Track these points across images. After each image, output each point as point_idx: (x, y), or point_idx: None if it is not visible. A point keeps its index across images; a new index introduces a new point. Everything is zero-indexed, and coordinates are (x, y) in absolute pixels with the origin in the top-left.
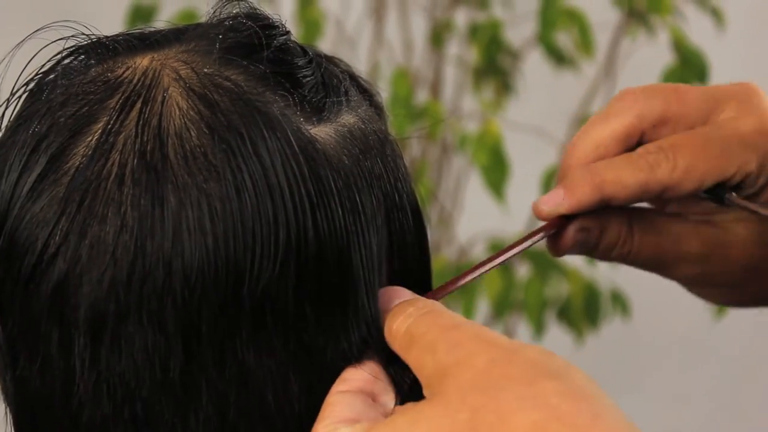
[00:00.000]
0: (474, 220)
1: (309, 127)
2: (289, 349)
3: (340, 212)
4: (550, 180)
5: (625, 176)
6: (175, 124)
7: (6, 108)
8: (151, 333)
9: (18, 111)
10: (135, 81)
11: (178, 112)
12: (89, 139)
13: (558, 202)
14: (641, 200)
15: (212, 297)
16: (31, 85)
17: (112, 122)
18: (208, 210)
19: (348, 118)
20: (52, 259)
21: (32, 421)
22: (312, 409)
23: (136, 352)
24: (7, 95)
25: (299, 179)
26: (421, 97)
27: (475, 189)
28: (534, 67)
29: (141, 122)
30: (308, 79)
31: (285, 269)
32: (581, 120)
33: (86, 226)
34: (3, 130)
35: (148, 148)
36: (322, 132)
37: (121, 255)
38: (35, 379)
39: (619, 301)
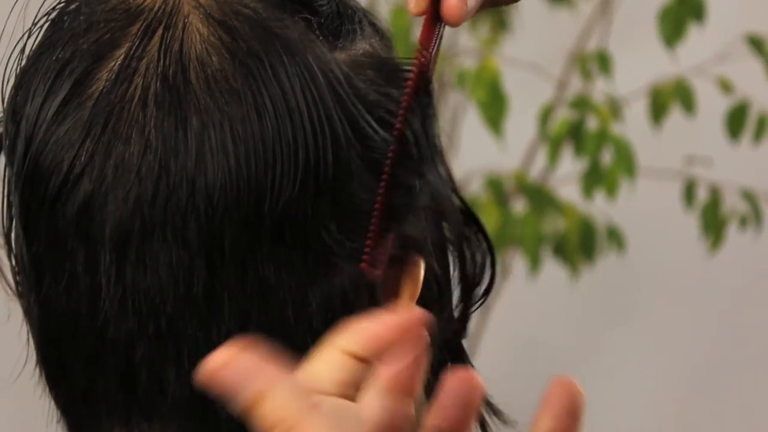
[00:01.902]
0: (470, 156)
1: (326, 52)
2: (308, 266)
3: (358, 133)
4: (547, 116)
5: None
6: (196, 50)
7: (28, 38)
8: (175, 250)
9: (40, 40)
10: (156, 8)
11: (198, 38)
12: (112, 64)
13: None
14: None
15: (234, 215)
16: (53, 14)
17: (134, 48)
18: (230, 131)
19: (363, 45)
20: (78, 179)
21: (57, 341)
22: (329, 327)
23: (160, 268)
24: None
25: (318, 102)
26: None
27: (471, 125)
28: (530, 4)
29: (163, 48)
30: (324, 7)
31: (304, 188)
32: (577, 57)
33: (111, 147)
34: (25, 59)
35: (170, 72)
36: (339, 57)
37: (146, 174)
38: (61, 297)
39: (615, 237)
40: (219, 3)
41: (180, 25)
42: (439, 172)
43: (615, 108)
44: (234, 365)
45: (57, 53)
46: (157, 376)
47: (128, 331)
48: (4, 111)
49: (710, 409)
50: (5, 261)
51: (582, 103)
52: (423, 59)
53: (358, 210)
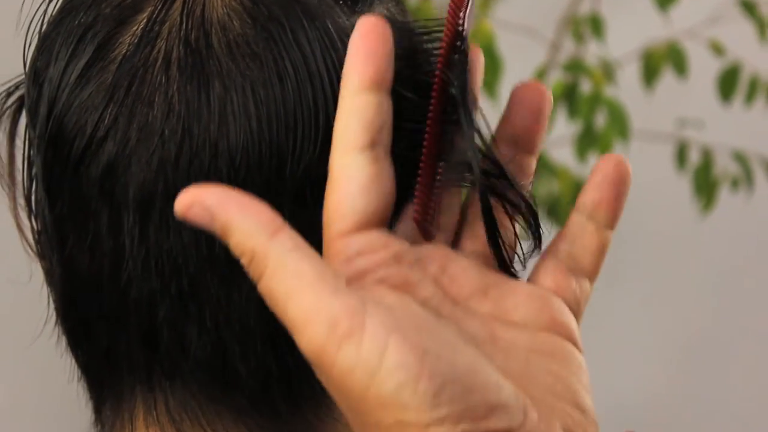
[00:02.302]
0: None
1: (346, 17)
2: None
3: None
4: (541, 78)
5: None
6: (218, 14)
7: (50, 2)
8: None
9: (61, 4)
10: None
11: (220, 3)
12: (135, 28)
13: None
14: None
15: (256, 177)
16: None
17: (156, 12)
18: (252, 95)
19: (380, 10)
20: (102, 142)
21: (79, 300)
22: None
23: (183, 229)
24: None
25: (338, 66)
26: None
27: None
28: None
29: (185, 12)
30: None
31: (324, 151)
32: (569, 20)
33: (134, 110)
34: (47, 23)
35: (193, 36)
36: (357, 22)
37: (169, 137)
38: (84, 258)
39: None
40: None
41: None
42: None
43: (608, 71)
44: (205, 197)
45: (79, 17)
46: (179, 335)
47: (151, 291)
48: (26, 73)
49: (701, 371)
50: (26, 222)
51: (575, 66)
52: (456, 17)
53: None
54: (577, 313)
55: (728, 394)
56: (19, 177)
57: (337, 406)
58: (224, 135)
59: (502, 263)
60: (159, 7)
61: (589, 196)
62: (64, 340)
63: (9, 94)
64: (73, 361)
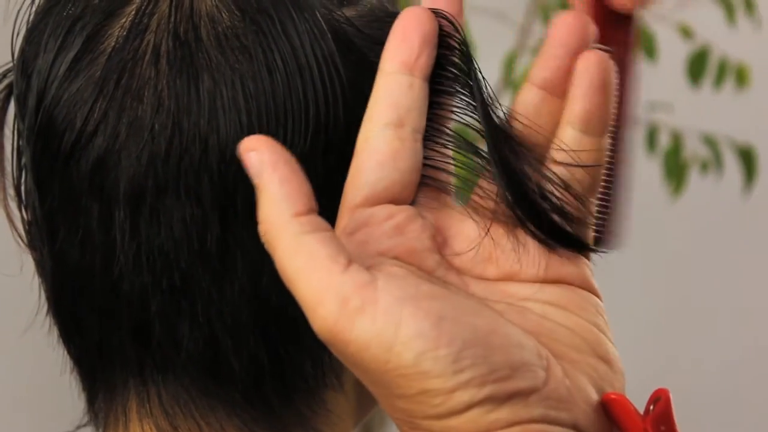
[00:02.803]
0: None
1: (335, 9)
2: None
3: (368, 89)
4: (511, 62)
5: None
6: (206, 6)
7: None
8: (188, 206)
9: None
10: None
11: None
12: (123, 20)
13: None
14: None
15: (247, 171)
16: None
17: (145, 4)
18: (242, 89)
19: (369, 1)
20: (92, 136)
21: (70, 294)
22: None
23: (174, 224)
24: None
25: (328, 58)
26: None
27: None
28: None
29: (173, 4)
30: None
31: (315, 144)
32: (539, 3)
33: (124, 104)
34: (34, 13)
35: (182, 29)
36: (347, 13)
37: (159, 132)
38: (75, 252)
39: None
40: None
41: None
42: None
43: None
44: (265, 150)
45: (68, 8)
46: (171, 329)
47: (142, 286)
48: (14, 64)
49: (671, 349)
50: (16, 212)
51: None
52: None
53: None
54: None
55: (697, 369)
56: (8, 167)
57: (330, 397)
58: (214, 129)
59: (533, 221)
60: (147, 0)
61: (578, 107)
62: (55, 332)
63: None
64: (65, 352)
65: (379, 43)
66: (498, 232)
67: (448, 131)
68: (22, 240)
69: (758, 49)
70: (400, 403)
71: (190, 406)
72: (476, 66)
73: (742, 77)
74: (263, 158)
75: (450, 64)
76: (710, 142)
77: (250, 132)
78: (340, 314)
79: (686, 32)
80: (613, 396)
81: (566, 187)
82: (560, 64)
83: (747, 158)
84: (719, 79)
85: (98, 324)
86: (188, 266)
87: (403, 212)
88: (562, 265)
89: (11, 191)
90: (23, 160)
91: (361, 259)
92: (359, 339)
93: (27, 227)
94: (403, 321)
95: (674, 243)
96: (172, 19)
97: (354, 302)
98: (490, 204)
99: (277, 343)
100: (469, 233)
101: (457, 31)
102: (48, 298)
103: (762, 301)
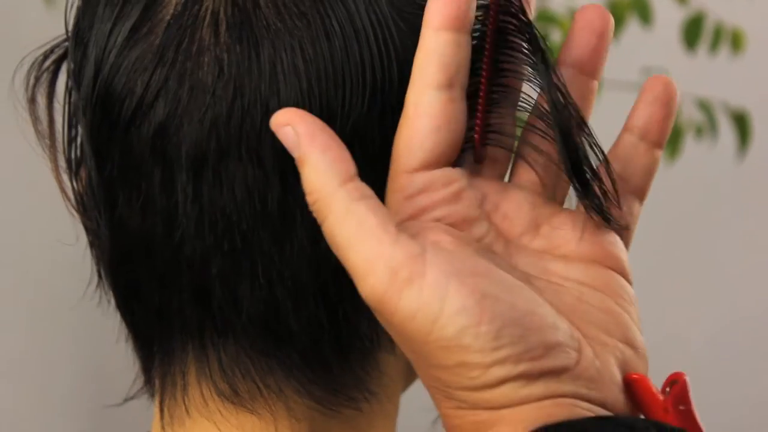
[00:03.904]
0: None
1: None
2: (378, 179)
3: None
4: None
5: None
6: None
7: None
8: (250, 168)
9: None
10: None
11: None
12: None
13: None
14: None
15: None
16: None
17: None
18: (301, 53)
19: None
20: (153, 102)
21: (130, 260)
22: None
23: (236, 186)
24: None
25: (382, 22)
26: None
27: None
28: None
29: None
30: None
31: (372, 106)
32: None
33: (184, 70)
34: None
35: None
36: None
37: (221, 96)
38: (135, 218)
39: None
40: None
41: None
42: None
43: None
44: (299, 122)
45: None
46: (232, 291)
47: (204, 249)
48: (68, 35)
49: (666, 314)
50: (67, 183)
51: (543, 16)
52: None
53: None
54: (628, 237)
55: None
56: (59, 138)
57: (383, 359)
58: (275, 93)
59: (592, 201)
60: None
61: (640, 116)
62: (113, 300)
63: (46, 57)
64: (122, 320)
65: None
66: (545, 203)
67: (514, 95)
68: (75, 209)
69: (753, 15)
70: (438, 372)
71: (249, 368)
72: (538, 33)
73: (737, 42)
74: (299, 130)
75: (514, 30)
76: (705, 107)
77: (310, 95)
78: (389, 285)
79: None
80: (635, 376)
81: (608, 169)
82: (591, 46)
83: (741, 123)
84: (714, 44)
85: (158, 289)
86: (249, 228)
87: (460, 178)
88: (605, 245)
89: (62, 163)
90: (73, 132)
91: (415, 224)
92: (405, 309)
93: (79, 197)
94: (449, 296)
95: (669, 207)
96: None
97: (403, 274)
98: (539, 173)
99: (336, 303)
100: (519, 200)
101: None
102: (104, 267)
103: (756, 265)
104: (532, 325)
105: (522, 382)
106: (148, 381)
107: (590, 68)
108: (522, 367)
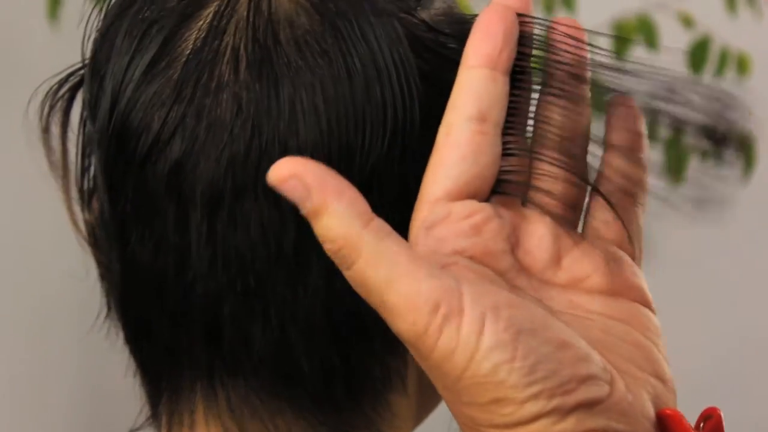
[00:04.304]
0: None
1: (411, 12)
2: (395, 223)
3: (443, 92)
4: None
5: None
6: (284, 9)
7: None
8: (266, 209)
9: (117, 0)
10: None
11: None
12: (200, 23)
13: None
14: None
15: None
16: None
17: (222, 6)
18: (322, 92)
19: (440, 5)
20: (170, 139)
21: (141, 297)
22: None
23: (251, 226)
24: None
25: (405, 62)
26: None
27: None
28: None
29: (251, 7)
30: None
31: (392, 147)
32: None
33: (202, 107)
34: (105, 17)
35: (260, 31)
36: (423, 15)
37: (238, 134)
38: (147, 255)
39: None
40: None
41: None
42: None
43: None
44: (305, 172)
45: (143, 11)
46: (243, 332)
47: (216, 289)
48: (85, 66)
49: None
50: (79, 215)
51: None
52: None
53: None
54: (639, 258)
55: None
56: (72, 169)
57: (394, 400)
58: (294, 133)
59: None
60: (225, 2)
61: (618, 139)
62: (122, 335)
63: (61, 85)
64: (131, 356)
65: (459, 41)
66: (567, 235)
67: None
68: (87, 242)
69: (759, 39)
70: (471, 410)
71: (258, 408)
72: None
73: (743, 66)
74: (308, 180)
75: (528, 61)
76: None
77: (330, 136)
78: (430, 322)
79: (687, 21)
80: (668, 411)
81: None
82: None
83: (746, 147)
84: (720, 68)
85: (169, 327)
86: (263, 268)
87: (481, 211)
88: (627, 276)
89: (74, 193)
90: (87, 162)
91: (436, 256)
92: (444, 347)
93: (91, 229)
94: (486, 331)
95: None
96: (251, 21)
97: (443, 309)
98: (561, 206)
99: (348, 345)
100: (541, 234)
101: (533, 28)
102: (114, 301)
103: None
104: (565, 359)
105: (555, 418)
106: (155, 416)
107: (577, 73)
108: (555, 402)
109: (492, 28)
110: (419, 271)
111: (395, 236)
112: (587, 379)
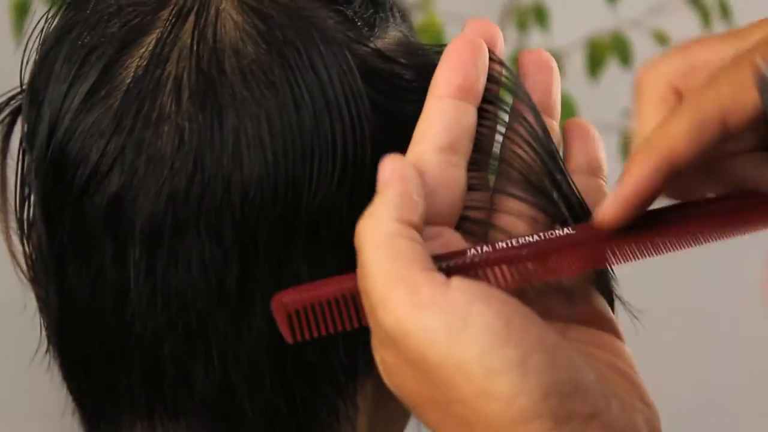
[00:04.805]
0: None
1: (362, 43)
2: (341, 262)
3: (397, 124)
4: None
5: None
6: (230, 38)
7: (47, 21)
8: (208, 246)
9: (60, 21)
10: None
11: (233, 25)
12: (143, 50)
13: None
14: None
15: (270, 210)
16: None
17: (165, 34)
18: (267, 125)
19: (395, 33)
20: (108, 171)
21: (78, 333)
22: (361, 328)
23: (192, 264)
24: None
25: (356, 93)
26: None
27: None
28: None
29: (196, 34)
30: None
31: (342, 182)
32: (513, 9)
33: (142, 139)
34: (44, 42)
35: (204, 61)
36: (377, 44)
37: (179, 169)
38: (85, 290)
39: None
40: None
41: (213, 12)
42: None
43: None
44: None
45: (82, 38)
46: (184, 373)
47: (156, 328)
48: (23, 92)
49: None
50: (18, 246)
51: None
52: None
53: None
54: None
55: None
56: (10, 198)
57: None
58: (238, 167)
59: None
60: (168, 29)
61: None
62: (60, 372)
63: (0, 110)
64: (68, 394)
65: (415, 71)
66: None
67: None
68: (25, 274)
69: None
70: (456, 408)
71: None
72: (526, 95)
73: None
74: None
75: (496, 94)
76: None
77: (276, 169)
78: (410, 303)
79: (661, 38)
80: None
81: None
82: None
83: None
84: None
85: (107, 365)
86: (205, 307)
87: (447, 234)
88: (595, 309)
89: (13, 223)
90: (26, 191)
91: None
92: (426, 330)
93: (30, 262)
94: (472, 315)
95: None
96: (195, 50)
97: (425, 293)
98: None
99: (294, 389)
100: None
101: (501, 62)
102: (51, 336)
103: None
104: (560, 360)
105: (549, 424)
106: None
107: (545, 106)
108: (550, 403)
109: (463, 58)
110: (414, 265)
111: (418, 246)
112: (585, 387)
